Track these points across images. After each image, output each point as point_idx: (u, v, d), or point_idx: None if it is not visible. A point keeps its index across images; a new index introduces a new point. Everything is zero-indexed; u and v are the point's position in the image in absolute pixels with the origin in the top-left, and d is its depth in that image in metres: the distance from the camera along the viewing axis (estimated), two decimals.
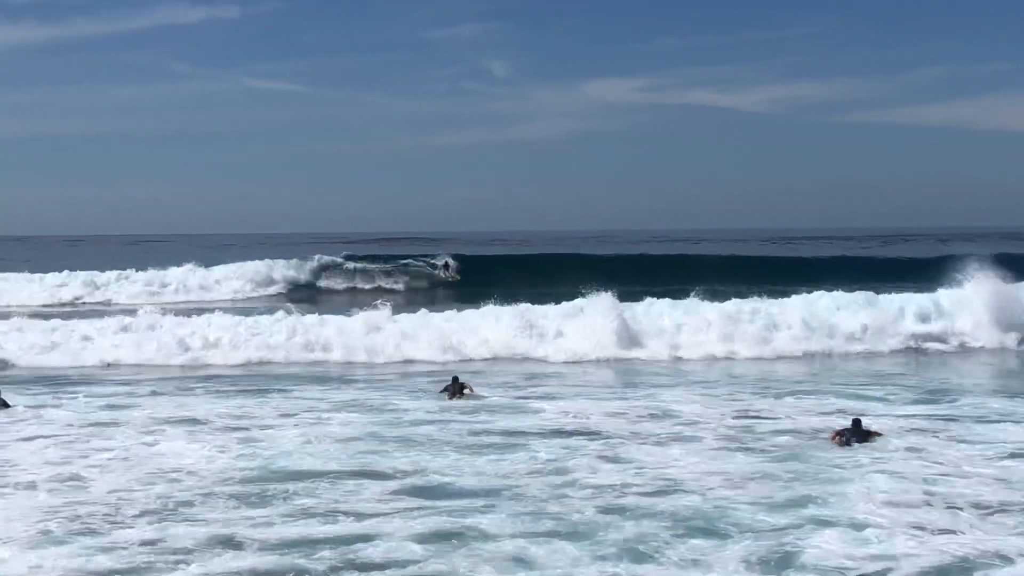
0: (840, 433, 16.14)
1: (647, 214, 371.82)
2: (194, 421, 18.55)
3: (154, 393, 21.94)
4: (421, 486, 13.87)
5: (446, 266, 59.07)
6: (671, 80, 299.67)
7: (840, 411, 18.87)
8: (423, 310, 30.70)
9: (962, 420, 18.04)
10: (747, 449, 15.88)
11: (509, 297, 30.45)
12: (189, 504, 12.99)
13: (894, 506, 12.62)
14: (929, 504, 12.73)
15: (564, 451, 15.90)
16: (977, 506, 12.62)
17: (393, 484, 13.96)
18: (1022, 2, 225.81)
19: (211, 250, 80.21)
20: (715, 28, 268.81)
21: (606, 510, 12.65)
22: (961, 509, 12.50)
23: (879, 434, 16.24)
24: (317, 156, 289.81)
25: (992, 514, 12.31)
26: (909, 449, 15.73)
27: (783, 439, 16.54)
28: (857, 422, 16.36)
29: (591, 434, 17.24)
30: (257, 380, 24.09)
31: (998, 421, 17.88)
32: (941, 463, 14.81)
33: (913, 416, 18.47)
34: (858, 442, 15.79)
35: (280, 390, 22.28)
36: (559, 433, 17.36)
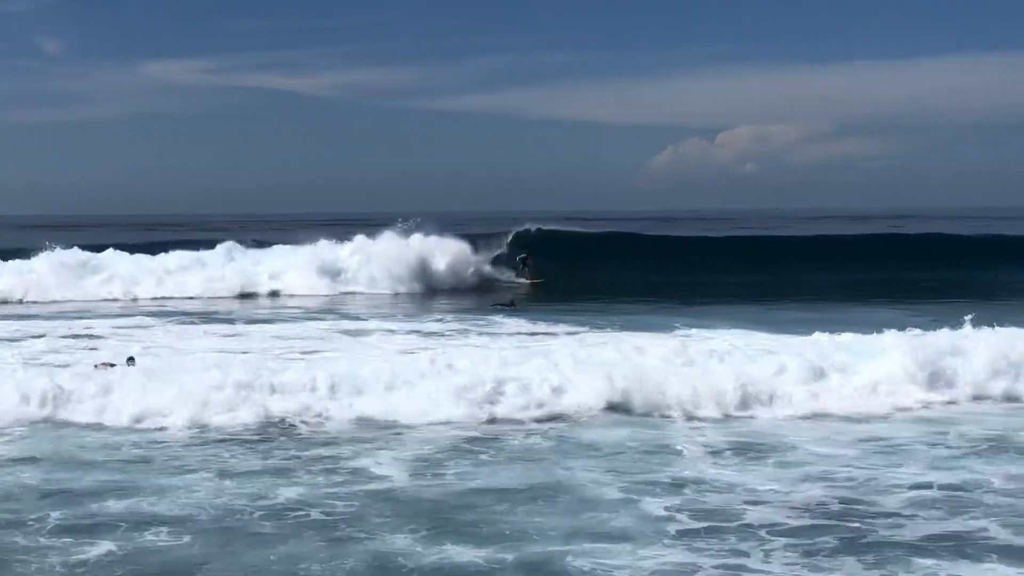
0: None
1: (210, 198, 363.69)
2: None
3: None
4: None
5: (525, 263, 43.77)
6: (235, 62, 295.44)
7: None
8: None
9: None
10: None
11: None
12: None
13: None
14: None
15: None
16: None
17: None
18: None
19: None
20: (279, 12, 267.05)
21: None
22: None
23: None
24: None
25: None
26: None
27: None
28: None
29: None
30: None
31: None
32: None
33: None
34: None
35: None
36: None
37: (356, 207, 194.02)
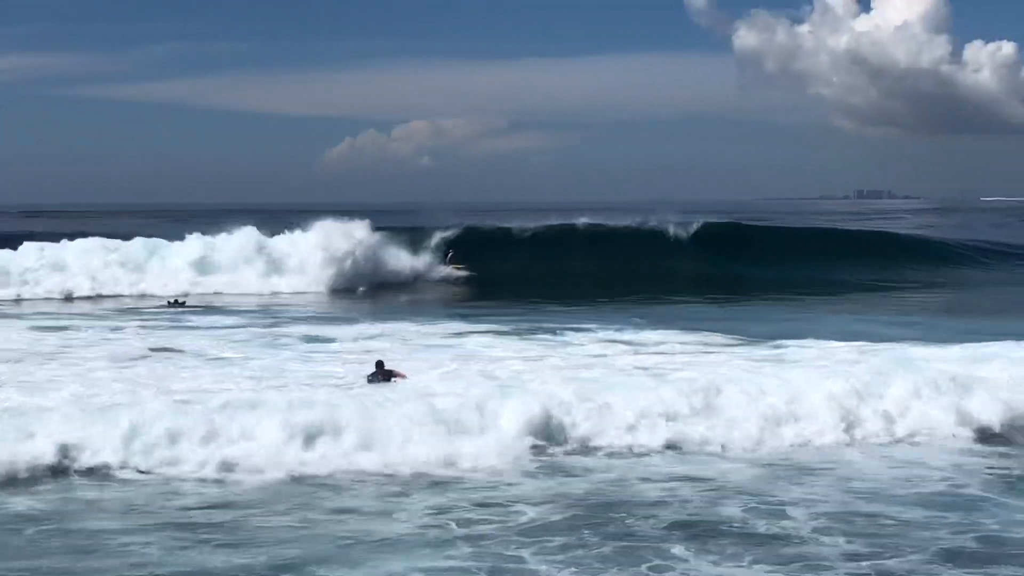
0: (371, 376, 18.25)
1: None
2: None
3: None
4: None
5: (450, 255, 45.26)
6: None
7: None
8: None
9: None
10: None
11: None
12: None
13: None
14: None
15: None
16: None
17: None
18: None
19: None
20: None
21: None
22: None
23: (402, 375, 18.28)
24: None
25: None
26: None
27: None
28: (380, 363, 18.56)
29: None
30: None
31: None
32: None
33: None
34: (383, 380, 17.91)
35: None
36: None
37: (24, 198, 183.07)
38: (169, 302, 34.16)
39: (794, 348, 22.09)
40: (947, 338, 22.29)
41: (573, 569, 10.47)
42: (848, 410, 15.92)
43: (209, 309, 32.81)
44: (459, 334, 25.46)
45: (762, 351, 21.94)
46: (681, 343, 23.54)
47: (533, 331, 25.73)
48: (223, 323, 28.58)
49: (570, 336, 24.63)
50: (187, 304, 33.99)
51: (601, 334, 24.87)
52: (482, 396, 15.75)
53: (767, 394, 16.12)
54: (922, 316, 31.41)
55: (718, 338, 24.11)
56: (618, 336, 24.53)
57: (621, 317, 28.42)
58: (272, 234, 44.21)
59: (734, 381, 16.69)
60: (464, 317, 29.29)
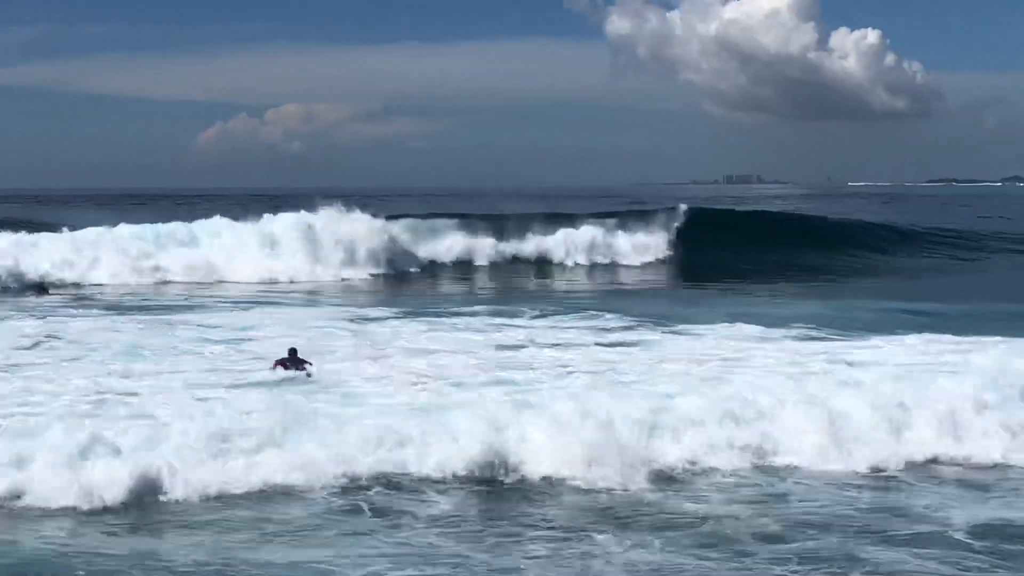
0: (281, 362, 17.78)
1: None
2: None
3: None
4: None
5: None
6: None
7: None
8: None
9: None
10: None
11: None
12: None
13: None
14: None
15: None
16: None
17: None
18: None
19: None
20: None
21: None
22: None
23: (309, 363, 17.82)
24: None
25: None
26: None
27: None
28: (293, 351, 18.06)
29: None
30: None
31: None
32: None
33: None
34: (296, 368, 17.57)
35: None
36: None
37: None
38: (37, 291, 31.93)
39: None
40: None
41: (495, 554, 10.30)
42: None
43: (78, 298, 30.75)
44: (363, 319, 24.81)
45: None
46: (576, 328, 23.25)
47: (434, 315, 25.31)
48: (88, 314, 26.32)
49: (458, 320, 24.28)
50: (50, 291, 32.08)
51: (492, 320, 24.46)
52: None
53: None
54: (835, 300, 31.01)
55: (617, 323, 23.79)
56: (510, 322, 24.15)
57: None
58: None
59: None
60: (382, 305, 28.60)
